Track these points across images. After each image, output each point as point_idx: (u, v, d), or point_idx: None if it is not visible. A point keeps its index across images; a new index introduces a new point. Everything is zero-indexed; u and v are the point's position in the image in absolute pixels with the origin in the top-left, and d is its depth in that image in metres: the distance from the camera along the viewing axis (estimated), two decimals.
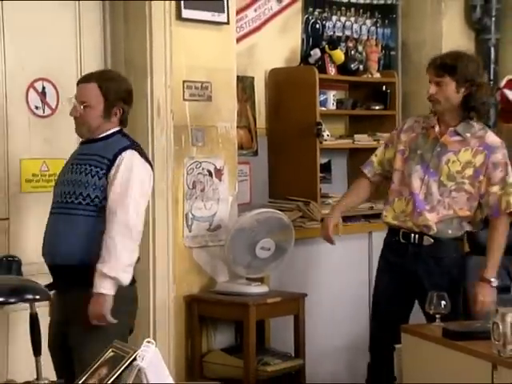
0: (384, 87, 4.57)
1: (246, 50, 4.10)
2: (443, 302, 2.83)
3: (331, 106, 4.39)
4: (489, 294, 3.02)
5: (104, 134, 2.82)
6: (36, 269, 3.20)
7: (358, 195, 3.38)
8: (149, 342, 1.83)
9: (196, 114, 3.66)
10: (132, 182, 2.71)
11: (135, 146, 2.84)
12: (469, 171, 3.04)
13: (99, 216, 2.71)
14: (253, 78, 4.14)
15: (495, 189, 3.02)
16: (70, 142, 3.44)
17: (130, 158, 2.74)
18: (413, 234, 3.10)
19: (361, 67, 4.55)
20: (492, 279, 3.00)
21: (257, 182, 4.14)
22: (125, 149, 2.76)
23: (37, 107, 3.41)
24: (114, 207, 2.70)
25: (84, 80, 2.86)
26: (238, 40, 3.95)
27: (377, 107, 4.54)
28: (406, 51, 4.83)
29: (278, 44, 4.26)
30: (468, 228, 3.19)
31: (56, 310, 2.67)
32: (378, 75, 4.60)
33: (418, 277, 3.11)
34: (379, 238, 3.42)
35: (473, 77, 3.01)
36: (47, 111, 3.44)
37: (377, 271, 3.31)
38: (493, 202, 3.05)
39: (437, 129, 3.08)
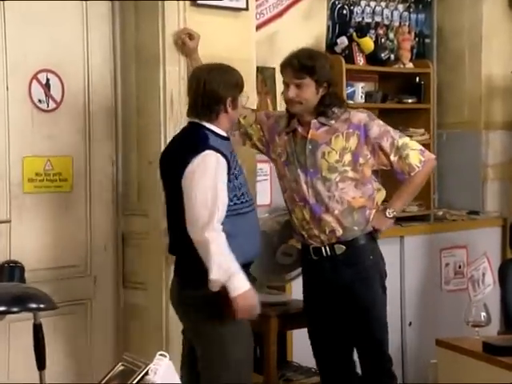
0: (417, 78, 4.50)
1: (267, 38, 4.02)
2: (483, 314, 2.80)
3: (359, 99, 4.34)
4: (381, 223, 3.12)
5: None
6: (40, 275, 3.19)
7: None
8: (162, 354, 1.82)
9: None
10: None
11: None
12: (347, 157, 3.06)
13: None
14: (274, 68, 3.99)
15: (392, 157, 3.11)
16: (75, 139, 3.43)
17: None
18: (323, 248, 3.08)
19: (392, 56, 4.50)
20: (388, 211, 3.12)
21: (278, 181, 3.95)
22: None
23: (40, 101, 3.32)
24: None
25: None
26: (258, 27, 3.84)
27: (409, 100, 4.48)
28: (442, 38, 4.72)
29: (302, 32, 4.14)
30: None
31: None
32: (410, 65, 4.53)
33: (340, 289, 3.08)
34: (411, 242, 3.38)
35: (329, 76, 3.08)
36: (52, 105, 3.35)
37: (303, 296, 3.24)
38: (397, 169, 3.13)
39: (300, 129, 3.11)
